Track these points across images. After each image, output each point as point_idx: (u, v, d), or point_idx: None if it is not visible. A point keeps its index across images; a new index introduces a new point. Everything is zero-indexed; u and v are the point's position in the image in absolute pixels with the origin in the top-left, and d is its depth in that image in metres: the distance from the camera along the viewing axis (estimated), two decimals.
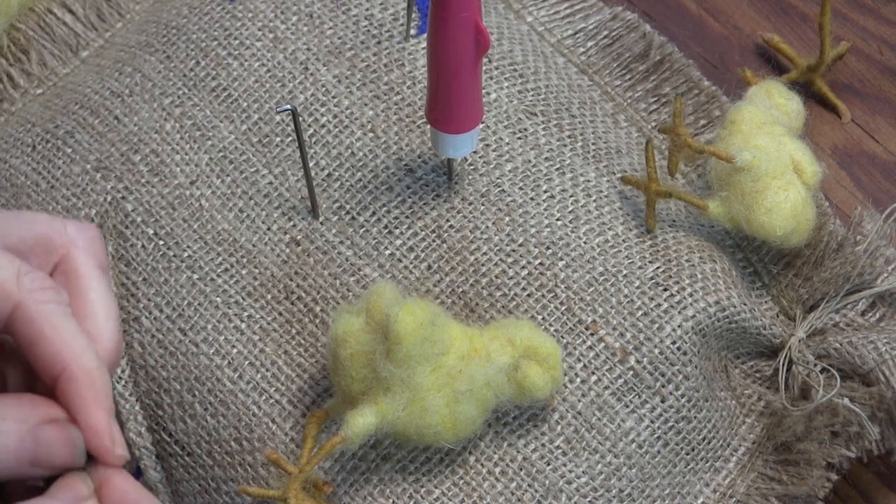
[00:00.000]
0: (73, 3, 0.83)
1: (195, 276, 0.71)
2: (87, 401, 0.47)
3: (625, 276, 0.69)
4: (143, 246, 0.72)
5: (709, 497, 0.70)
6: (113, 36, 0.83)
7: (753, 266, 0.75)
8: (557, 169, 0.73)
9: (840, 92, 0.84)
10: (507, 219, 0.71)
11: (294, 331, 0.69)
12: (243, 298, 0.70)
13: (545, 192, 0.72)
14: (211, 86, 0.75)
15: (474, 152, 0.72)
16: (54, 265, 0.51)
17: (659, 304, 0.69)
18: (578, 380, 0.67)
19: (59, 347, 0.47)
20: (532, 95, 0.76)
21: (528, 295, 0.69)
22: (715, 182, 0.71)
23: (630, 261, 0.70)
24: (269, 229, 0.71)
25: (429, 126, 0.68)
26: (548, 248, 0.70)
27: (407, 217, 0.71)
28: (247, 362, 0.69)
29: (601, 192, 0.72)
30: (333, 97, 0.74)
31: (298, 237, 0.71)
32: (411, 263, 0.70)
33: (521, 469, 0.66)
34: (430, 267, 0.70)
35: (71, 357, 0.47)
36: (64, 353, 0.47)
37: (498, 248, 0.70)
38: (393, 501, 0.66)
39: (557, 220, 0.71)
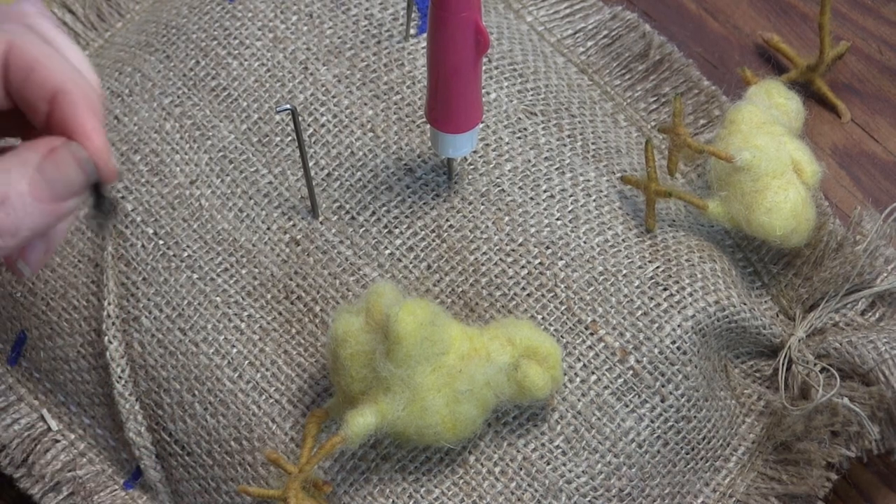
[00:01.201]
0: (73, 3, 0.83)
1: (195, 276, 0.71)
2: (85, 112, 0.48)
3: (624, 275, 0.70)
4: (142, 246, 0.72)
5: (709, 496, 0.70)
6: (113, 36, 0.83)
7: (753, 266, 0.75)
8: (557, 168, 0.73)
9: (840, 92, 0.84)
10: (507, 218, 0.71)
11: (294, 330, 0.69)
12: (243, 298, 0.70)
13: (545, 191, 0.72)
14: (211, 85, 0.75)
15: (474, 152, 0.72)
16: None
17: (659, 304, 0.69)
18: (578, 379, 0.67)
19: (54, 69, 0.48)
20: (532, 95, 0.76)
21: (528, 294, 0.69)
22: (715, 182, 0.71)
23: (630, 260, 0.70)
24: (268, 229, 0.71)
25: (429, 126, 0.68)
26: (547, 247, 0.70)
27: (407, 217, 0.71)
28: (246, 362, 0.69)
29: (601, 191, 0.73)
30: (333, 97, 0.74)
31: (298, 237, 0.71)
32: (411, 263, 0.70)
33: (520, 469, 0.66)
34: (429, 266, 0.70)
35: (67, 76, 0.48)
36: (60, 73, 0.48)
37: (498, 247, 0.70)
38: (393, 501, 0.66)
39: (557, 219, 0.71)
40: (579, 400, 0.67)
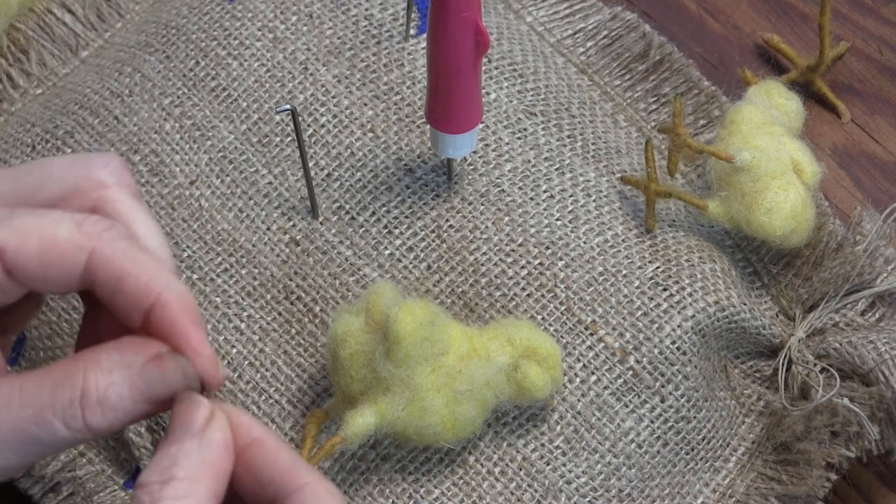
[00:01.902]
0: (72, 3, 0.83)
1: (195, 276, 0.71)
2: (186, 324, 0.47)
3: (624, 276, 0.69)
4: None
5: (708, 497, 0.70)
6: (113, 36, 0.83)
7: (753, 266, 0.75)
8: (557, 169, 0.73)
9: (840, 92, 0.84)
10: (507, 219, 0.71)
11: (293, 331, 0.69)
12: (243, 298, 0.70)
13: (545, 191, 0.72)
14: (210, 86, 0.75)
15: (474, 152, 0.72)
16: (90, 210, 0.50)
17: (658, 304, 0.69)
18: (578, 380, 0.67)
19: (146, 279, 0.46)
20: (532, 95, 0.76)
21: (528, 295, 0.69)
22: (714, 182, 0.71)
23: (630, 261, 0.70)
24: (268, 229, 0.71)
25: (428, 126, 0.68)
26: (547, 248, 0.70)
27: (406, 217, 0.71)
28: (246, 362, 0.69)
29: (601, 191, 0.73)
30: (333, 97, 0.74)
31: (298, 237, 0.71)
32: (411, 263, 0.70)
33: (520, 469, 0.66)
34: (429, 267, 0.70)
35: (160, 285, 0.46)
36: (152, 283, 0.46)
37: (497, 247, 0.70)
38: (393, 501, 0.66)
39: (557, 219, 0.71)
40: (579, 400, 0.67)
